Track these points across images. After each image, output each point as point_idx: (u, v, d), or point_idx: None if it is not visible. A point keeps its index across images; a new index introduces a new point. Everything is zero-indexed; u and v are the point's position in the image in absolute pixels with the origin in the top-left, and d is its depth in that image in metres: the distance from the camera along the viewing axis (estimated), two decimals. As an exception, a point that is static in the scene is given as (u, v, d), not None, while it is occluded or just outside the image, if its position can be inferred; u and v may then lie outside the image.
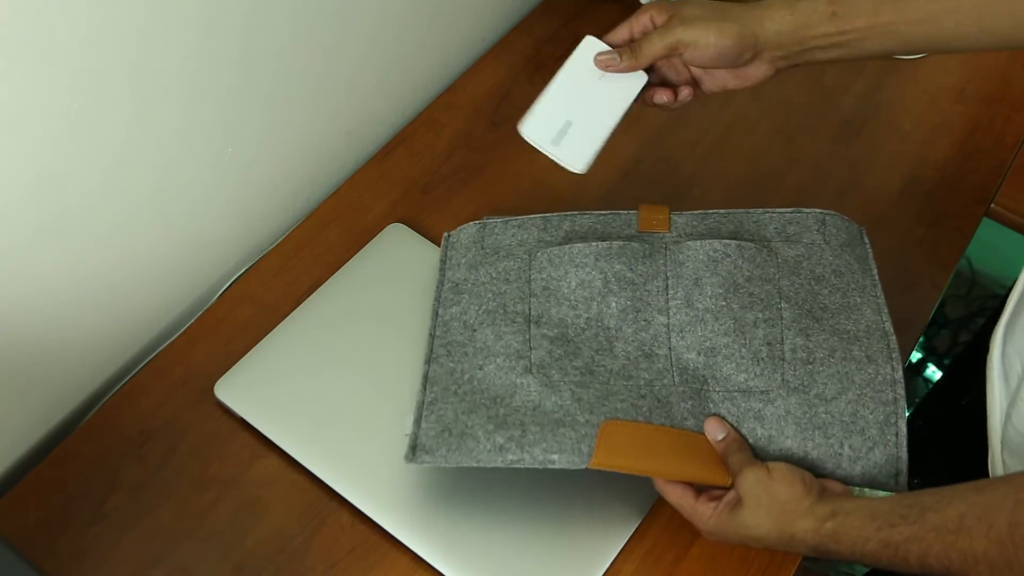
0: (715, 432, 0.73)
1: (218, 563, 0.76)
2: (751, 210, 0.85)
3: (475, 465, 0.71)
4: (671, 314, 0.78)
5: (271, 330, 0.86)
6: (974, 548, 0.56)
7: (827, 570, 1.50)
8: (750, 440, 0.73)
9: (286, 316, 0.88)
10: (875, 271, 0.82)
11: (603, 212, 0.86)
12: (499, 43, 1.14)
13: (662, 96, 0.78)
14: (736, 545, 0.74)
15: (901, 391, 0.73)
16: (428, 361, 0.79)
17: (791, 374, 0.75)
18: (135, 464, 0.81)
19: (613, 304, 0.79)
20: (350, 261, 0.92)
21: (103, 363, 0.87)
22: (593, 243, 0.81)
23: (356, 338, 0.86)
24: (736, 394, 0.74)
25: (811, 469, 0.71)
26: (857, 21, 0.73)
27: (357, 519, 0.78)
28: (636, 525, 0.78)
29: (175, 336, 0.89)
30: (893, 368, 0.74)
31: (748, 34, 0.74)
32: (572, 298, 0.79)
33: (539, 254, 0.82)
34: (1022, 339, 0.79)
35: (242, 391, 0.83)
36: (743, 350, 0.75)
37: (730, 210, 0.85)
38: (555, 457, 0.71)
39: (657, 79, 0.80)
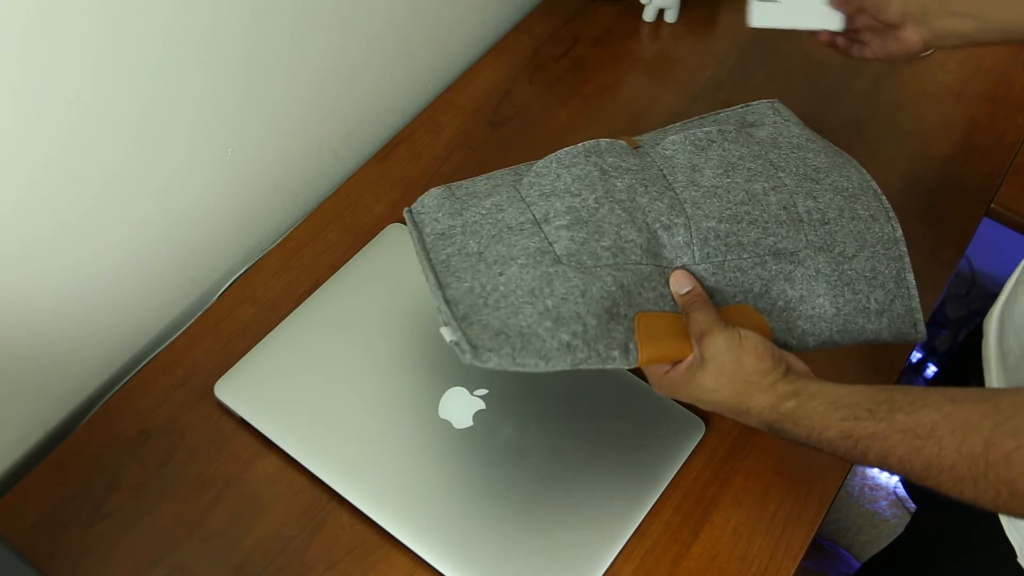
0: (680, 285, 0.71)
1: (218, 563, 0.76)
2: (704, 115, 0.87)
3: (544, 369, 0.65)
4: (679, 191, 0.76)
5: (271, 330, 0.86)
6: (942, 458, 0.55)
7: (827, 570, 1.50)
8: (780, 302, 0.74)
9: (286, 316, 0.88)
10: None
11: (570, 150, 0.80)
12: (499, 43, 1.14)
13: (831, 39, 0.89)
14: (685, 401, 0.71)
15: (904, 248, 0.77)
16: (440, 288, 0.70)
17: (813, 234, 0.75)
18: (135, 464, 0.81)
19: (618, 183, 0.75)
20: (350, 261, 0.92)
21: (103, 363, 0.87)
22: (580, 144, 0.77)
23: (356, 338, 0.86)
24: (767, 258, 0.74)
25: (844, 325, 0.74)
26: None
27: (357, 519, 0.78)
28: (636, 525, 0.78)
29: (175, 336, 0.89)
30: (893, 227, 0.78)
31: None
32: (573, 189, 0.74)
33: (524, 178, 0.77)
34: (1020, 320, 0.79)
35: (242, 391, 0.83)
36: (764, 215, 0.75)
37: (684, 121, 0.86)
38: (615, 354, 0.67)
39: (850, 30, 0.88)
